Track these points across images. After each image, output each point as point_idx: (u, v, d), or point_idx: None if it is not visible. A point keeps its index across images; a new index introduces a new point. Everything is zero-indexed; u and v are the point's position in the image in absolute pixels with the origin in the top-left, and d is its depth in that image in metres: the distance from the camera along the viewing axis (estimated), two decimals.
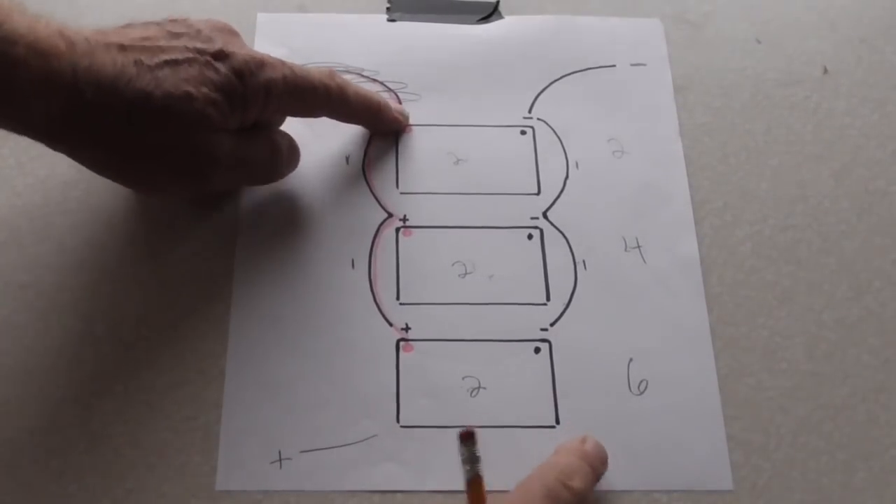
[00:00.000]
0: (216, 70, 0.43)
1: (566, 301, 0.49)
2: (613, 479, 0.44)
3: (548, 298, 0.49)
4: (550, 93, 0.55)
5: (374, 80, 0.55)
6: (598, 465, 0.43)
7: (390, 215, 0.51)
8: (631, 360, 0.47)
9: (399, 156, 0.53)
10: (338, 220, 0.50)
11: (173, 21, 0.45)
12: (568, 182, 0.52)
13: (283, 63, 0.45)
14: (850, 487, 0.45)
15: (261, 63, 0.44)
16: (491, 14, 0.53)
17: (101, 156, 0.43)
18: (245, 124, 0.45)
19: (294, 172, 0.51)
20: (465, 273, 0.49)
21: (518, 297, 0.49)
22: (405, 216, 0.51)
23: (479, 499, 0.40)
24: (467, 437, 0.40)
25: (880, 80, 0.56)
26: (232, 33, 0.46)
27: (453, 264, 0.49)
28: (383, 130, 0.52)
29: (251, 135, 0.46)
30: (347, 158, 0.52)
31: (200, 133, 0.43)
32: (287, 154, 0.49)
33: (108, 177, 0.45)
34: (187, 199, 0.50)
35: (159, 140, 0.42)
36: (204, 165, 0.44)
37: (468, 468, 0.40)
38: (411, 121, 0.53)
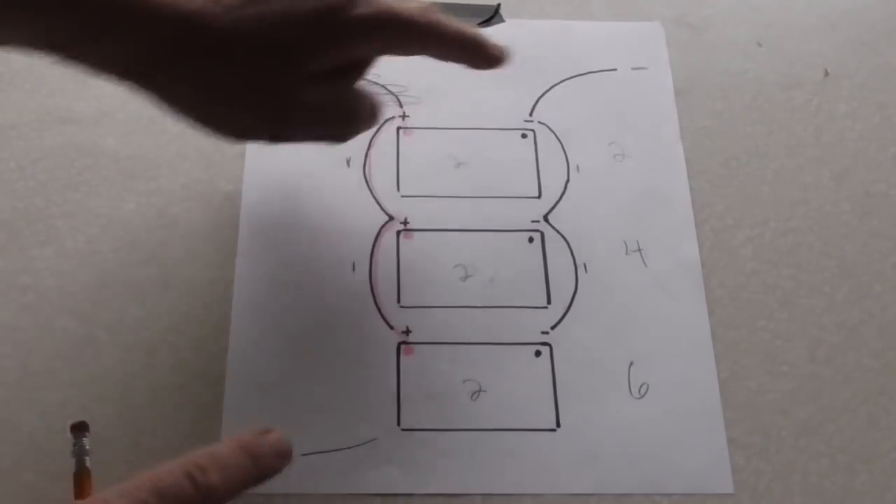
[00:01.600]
0: (305, 2, 0.40)
1: (567, 304, 0.49)
2: (614, 482, 0.44)
3: (549, 302, 0.49)
4: (552, 96, 0.55)
5: (375, 83, 0.55)
6: (267, 459, 0.35)
7: (391, 218, 0.51)
8: (632, 363, 0.47)
9: (400, 159, 0.53)
10: (338, 223, 0.50)
11: None
12: (569, 185, 0.52)
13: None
14: (852, 490, 0.45)
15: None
16: (492, 17, 0.53)
17: (185, 97, 0.41)
18: (335, 65, 0.42)
19: (295, 175, 0.51)
20: (466, 276, 0.49)
21: (519, 300, 0.49)
22: (406, 219, 0.51)
23: (84, 492, 0.40)
24: (77, 429, 0.40)
25: (881, 83, 0.56)
26: None
27: (454, 267, 0.49)
28: (481, 68, 0.47)
29: (335, 86, 0.43)
30: (348, 161, 0.52)
31: (283, 73, 0.41)
32: (368, 111, 0.46)
33: (190, 120, 0.42)
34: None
35: (240, 78, 0.40)
36: (281, 112, 0.42)
37: (77, 460, 0.40)
38: (413, 123, 0.53)
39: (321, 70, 0.41)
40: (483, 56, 0.46)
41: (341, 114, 0.45)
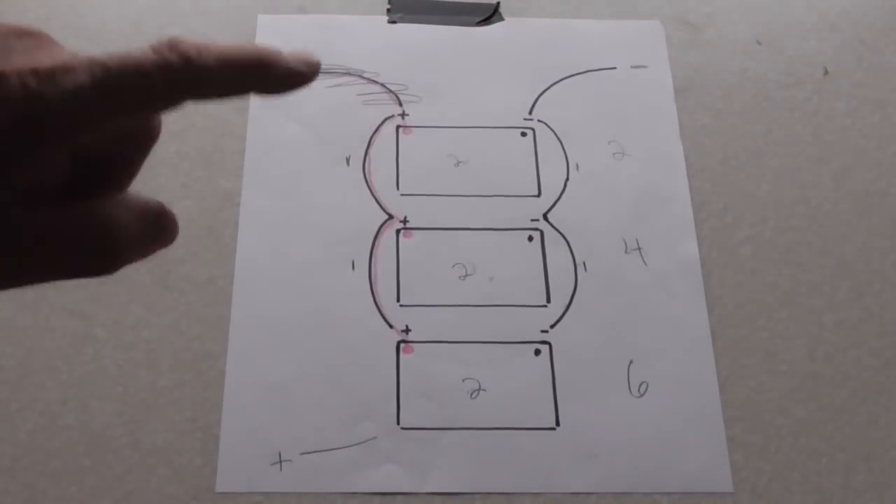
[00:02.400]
0: None
1: (566, 303, 0.49)
2: (614, 481, 0.44)
3: (548, 300, 0.49)
4: (551, 95, 0.55)
5: (375, 82, 0.55)
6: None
7: (391, 217, 0.51)
8: (631, 362, 0.47)
9: (399, 157, 0.53)
10: (338, 221, 0.50)
11: None
12: (568, 184, 0.52)
13: (88, 61, 0.25)
14: (851, 488, 0.45)
15: (50, 73, 0.25)
16: (491, 16, 0.53)
17: None
18: (60, 171, 0.27)
19: (295, 174, 0.51)
20: (466, 275, 0.49)
21: (518, 299, 0.49)
22: (406, 218, 0.51)
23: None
24: None
25: (881, 82, 0.56)
26: (22, 35, 0.26)
27: (453, 266, 0.49)
28: (280, 91, 0.29)
29: (71, 207, 0.26)
30: (348, 160, 0.52)
31: None
32: (135, 237, 0.28)
33: None
34: None
35: None
36: None
37: None
38: (412, 121, 0.53)
39: (38, 183, 0.27)
40: (275, 78, 0.28)
41: (88, 245, 0.27)
